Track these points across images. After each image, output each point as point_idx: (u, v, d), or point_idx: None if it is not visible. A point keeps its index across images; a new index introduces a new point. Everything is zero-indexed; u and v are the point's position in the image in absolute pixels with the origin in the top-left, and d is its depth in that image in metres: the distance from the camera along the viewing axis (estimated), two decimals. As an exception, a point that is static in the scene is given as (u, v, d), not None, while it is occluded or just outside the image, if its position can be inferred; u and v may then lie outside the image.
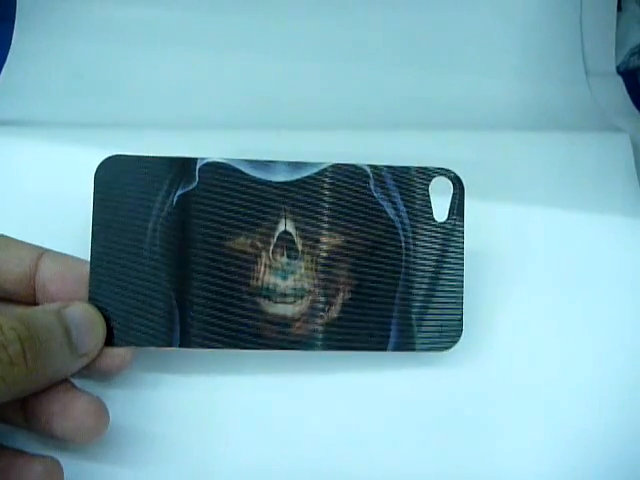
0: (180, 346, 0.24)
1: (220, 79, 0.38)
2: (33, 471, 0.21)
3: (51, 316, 0.21)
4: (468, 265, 0.26)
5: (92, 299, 0.23)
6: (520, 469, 0.24)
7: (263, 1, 0.39)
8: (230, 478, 0.24)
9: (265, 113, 0.36)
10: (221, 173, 0.24)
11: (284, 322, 0.24)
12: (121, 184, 0.23)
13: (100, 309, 0.23)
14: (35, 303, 0.23)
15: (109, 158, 0.23)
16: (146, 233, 0.24)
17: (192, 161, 0.24)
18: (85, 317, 0.22)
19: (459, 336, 0.25)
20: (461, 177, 0.25)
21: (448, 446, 0.25)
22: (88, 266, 0.23)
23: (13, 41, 0.39)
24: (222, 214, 0.24)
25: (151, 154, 0.24)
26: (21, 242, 0.24)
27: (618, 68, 0.41)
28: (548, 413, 0.26)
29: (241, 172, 0.24)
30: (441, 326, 0.25)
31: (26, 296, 0.23)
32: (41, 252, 0.24)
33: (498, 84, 0.39)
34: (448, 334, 0.25)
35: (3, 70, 0.38)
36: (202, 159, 0.24)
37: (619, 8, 0.41)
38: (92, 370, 0.23)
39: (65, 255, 0.24)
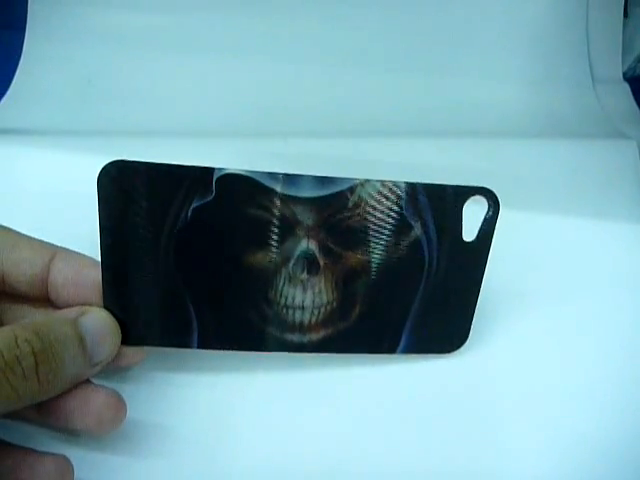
0: (198, 347, 0.24)
1: (232, 87, 0.38)
2: (45, 469, 0.21)
3: (66, 327, 0.21)
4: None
5: (107, 303, 0.23)
6: (522, 469, 0.24)
7: (274, 10, 0.40)
8: (241, 474, 0.24)
9: (273, 120, 0.36)
10: (241, 186, 0.22)
11: (301, 329, 0.25)
12: (129, 192, 0.22)
13: (115, 312, 0.23)
14: (49, 300, 0.23)
15: (113, 163, 0.21)
16: (159, 245, 0.23)
17: (209, 171, 0.22)
18: (101, 327, 0.22)
19: (465, 341, 0.26)
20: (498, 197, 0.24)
21: (450, 446, 0.25)
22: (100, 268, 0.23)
23: (24, 49, 0.39)
24: (240, 229, 0.23)
25: (162, 162, 0.22)
26: (31, 239, 0.23)
27: (625, 74, 0.41)
28: (550, 415, 0.26)
29: (263, 186, 0.22)
30: (450, 332, 0.26)
31: (39, 295, 0.23)
32: (53, 252, 0.23)
33: (505, 91, 0.39)
34: (455, 339, 0.26)
35: (15, 78, 0.38)
36: (220, 170, 0.22)
37: (625, 14, 0.42)
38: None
39: (77, 255, 0.23)
